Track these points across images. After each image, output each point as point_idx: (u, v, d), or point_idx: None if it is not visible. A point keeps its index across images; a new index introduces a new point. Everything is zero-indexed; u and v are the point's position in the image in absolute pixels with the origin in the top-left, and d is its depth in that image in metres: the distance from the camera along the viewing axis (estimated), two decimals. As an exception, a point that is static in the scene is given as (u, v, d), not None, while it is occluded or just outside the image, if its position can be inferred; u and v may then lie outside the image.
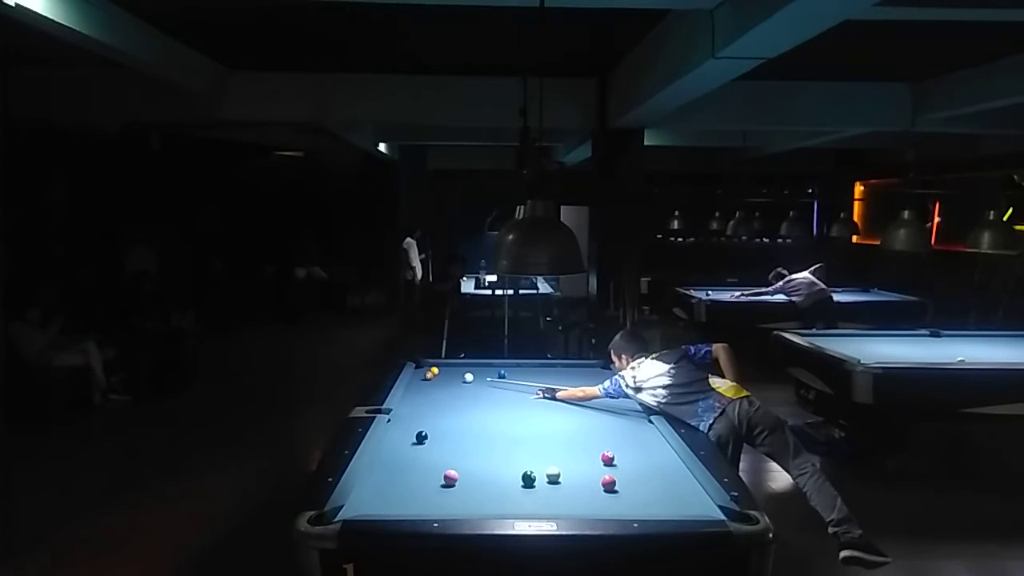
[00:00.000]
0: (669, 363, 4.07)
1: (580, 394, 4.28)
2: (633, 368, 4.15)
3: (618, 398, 4.15)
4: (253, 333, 11.32)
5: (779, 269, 9.32)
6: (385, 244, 13.39)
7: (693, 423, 3.83)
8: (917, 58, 6.77)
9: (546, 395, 4.35)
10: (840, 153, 13.08)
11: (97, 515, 4.87)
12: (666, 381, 3.99)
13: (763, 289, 9.33)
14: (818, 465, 3.96)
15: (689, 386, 3.96)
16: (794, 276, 9.08)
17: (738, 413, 3.83)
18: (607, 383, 4.19)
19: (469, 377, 4.75)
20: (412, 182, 13.49)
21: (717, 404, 3.87)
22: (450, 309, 8.06)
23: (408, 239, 11.91)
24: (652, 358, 4.17)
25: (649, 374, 4.06)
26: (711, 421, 3.82)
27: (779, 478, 5.67)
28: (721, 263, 13.61)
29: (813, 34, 4.11)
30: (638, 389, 4.07)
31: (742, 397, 3.91)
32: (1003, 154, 9.76)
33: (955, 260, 9.82)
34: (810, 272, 9.08)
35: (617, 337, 4.45)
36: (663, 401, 3.96)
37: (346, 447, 3.23)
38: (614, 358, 4.37)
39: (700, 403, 3.89)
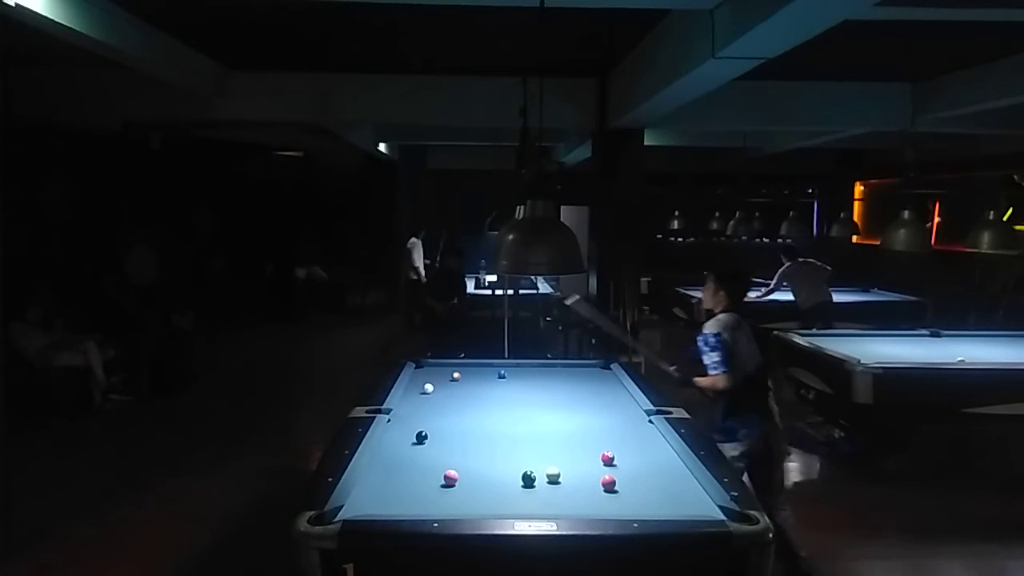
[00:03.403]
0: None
1: (708, 383, 4.02)
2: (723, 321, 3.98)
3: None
4: (253, 333, 11.33)
5: (788, 241, 9.13)
6: (385, 244, 13.38)
7: (730, 425, 3.85)
8: (917, 58, 6.77)
9: (678, 374, 4.26)
10: (840, 153, 13.08)
11: (97, 515, 4.88)
12: (751, 368, 3.95)
13: (769, 286, 9.16)
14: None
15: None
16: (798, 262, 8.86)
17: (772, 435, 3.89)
18: (709, 359, 3.93)
19: (429, 388, 4.46)
20: (412, 182, 13.48)
21: (762, 423, 3.90)
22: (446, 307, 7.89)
23: (413, 239, 11.76)
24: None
25: (743, 341, 3.97)
26: (754, 434, 3.84)
27: (779, 478, 5.67)
28: (721, 263, 13.59)
29: (813, 34, 4.11)
30: (734, 341, 3.93)
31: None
32: (1003, 154, 9.75)
33: (955, 260, 9.82)
34: (816, 263, 8.89)
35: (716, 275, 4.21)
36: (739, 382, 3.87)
37: (346, 447, 3.23)
38: (709, 287, 4.16)
39: (753, 415, 3.90)
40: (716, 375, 3.91)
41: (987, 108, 7.00)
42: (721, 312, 4.05)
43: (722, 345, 3.89)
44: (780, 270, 8.81)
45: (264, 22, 6.01)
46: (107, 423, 7.12)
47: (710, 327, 3.97)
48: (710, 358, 3.90)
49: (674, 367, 4.26)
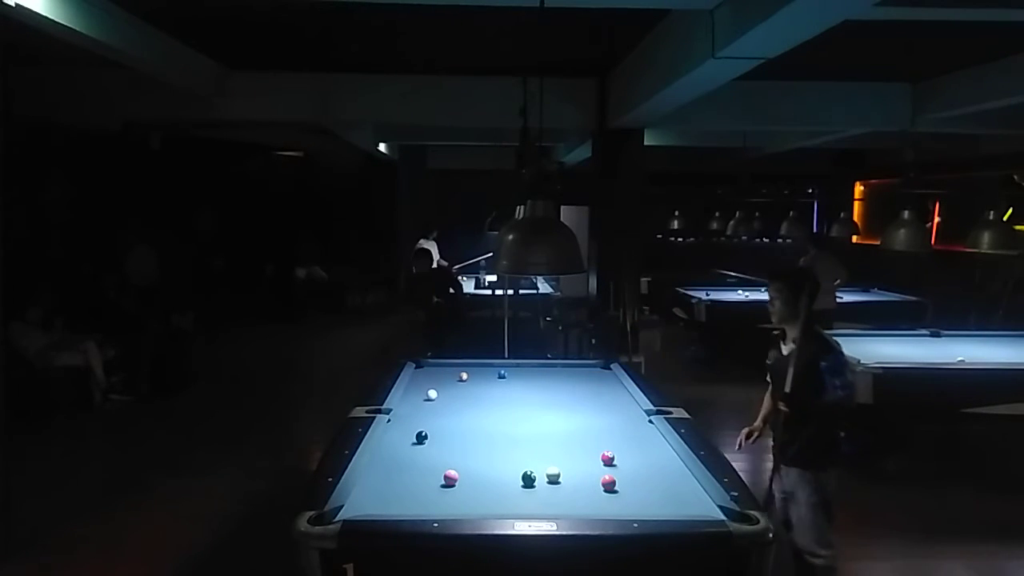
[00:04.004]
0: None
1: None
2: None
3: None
4: (253, 333, 11.33)
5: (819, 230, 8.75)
6: (386, 244, 13.37)
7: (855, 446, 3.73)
8: (917, 58, 6.77)
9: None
10: (840, 153, 13.08)
11: (97, 515, 4.88)
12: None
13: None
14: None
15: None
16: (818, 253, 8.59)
17: None
18: (843, 379, 3.53)
19: (432, 394, 4.36)
20: (412, 182, 13.48)
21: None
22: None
23: (423, 239, 11.36)
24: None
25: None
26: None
27: (779, 478, 5.67)
28: (721, 263, 13.62)
29: (813, 34, 4.11)
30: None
31: None
32: (1003, 154, 9.76)
33: (955, 260, 9.82)
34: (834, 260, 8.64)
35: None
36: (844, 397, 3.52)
37: (346, 447, 3.23)
38: (781, 297, 3.63)
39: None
40: (852, 394, 3.61)
41: (987, 108, 7.00)
42: (812, 326, 3.62)
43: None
44: (800, 261, 8.53)
45: (264, 22, 6.01)
46: (107, 423, 7.12)
47: (833, 344, 3.64)
48: (845, 378, 3.54)
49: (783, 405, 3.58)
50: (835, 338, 3.77)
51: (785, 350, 3.67)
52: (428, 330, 7.66)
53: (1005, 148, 9.59)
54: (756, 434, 3.79)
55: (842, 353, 3.63)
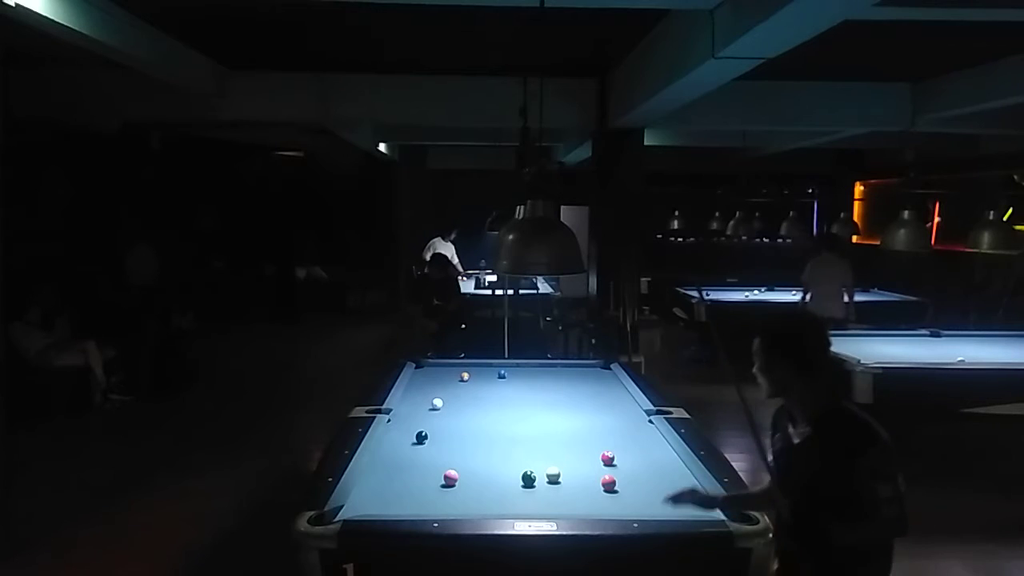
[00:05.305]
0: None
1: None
2: None
3: None
4: (253, 333, 11.33)
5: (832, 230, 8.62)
6: (386, 244, 13.37)
7: None
8: (917, 58, 6.77)
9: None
10: (840, 153, 13.09)
11: (97, 515, 4.89)
12: None
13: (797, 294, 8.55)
14: None
15: None
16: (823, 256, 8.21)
17: None
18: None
19: (438, 403, 4.17)
20: (412, 182, 13.48)
21: None
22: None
23: (438, 239, 11.05)
24: None
25: None
26: None
27: (779, 478, 5.67)
28: (721, 263, 13.62)
29: (813, 34, 4.11)
30: None
31: None
32: (1003, 154, 9.76)
33: (955, 260, 9.82)
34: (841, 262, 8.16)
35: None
36: None
37: (346, 447, 3.23)
38: (778, 368, 2.35)
39: None
40: (904, 515, 2.35)
41: (987, 108, 7.00)
42: (832, 399, 2.36)
43: None
44: (808, 265, 8.21)
45: (264, 22, 6.01)
46: (107, 423, 7.12)
47: (873, 429, 2.29)
48: (895, 484, 2.26)
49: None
50: (868, 417, 2.33)
51: (795, 436, 2.38)
52: (440, 335, 7.63)
53: (1005, 148, 9.59)
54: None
55: (888, 444, 2.27)
